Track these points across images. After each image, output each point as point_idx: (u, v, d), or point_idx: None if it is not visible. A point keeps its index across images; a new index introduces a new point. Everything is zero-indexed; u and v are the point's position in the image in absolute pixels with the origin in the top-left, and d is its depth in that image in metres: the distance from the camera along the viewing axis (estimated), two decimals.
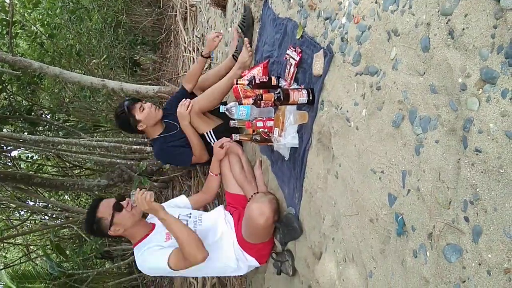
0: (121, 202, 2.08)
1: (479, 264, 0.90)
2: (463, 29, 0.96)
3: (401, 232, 1.18)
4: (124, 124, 2.74)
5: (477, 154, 0.92)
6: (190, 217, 2.27)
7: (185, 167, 3.56)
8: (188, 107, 2.60)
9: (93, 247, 4.49)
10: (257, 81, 2.09)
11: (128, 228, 2.07)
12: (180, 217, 2.22)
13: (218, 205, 3.05)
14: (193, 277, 3.83)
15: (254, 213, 1.96)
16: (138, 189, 2.01)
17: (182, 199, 2.49)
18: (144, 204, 1.93)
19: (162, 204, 2.35)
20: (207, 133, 2.73)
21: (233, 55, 2.80)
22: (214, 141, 2.69)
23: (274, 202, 2.11)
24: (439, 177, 1.04)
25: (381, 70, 1.30)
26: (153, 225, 2.17)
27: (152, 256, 2.00)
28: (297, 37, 1.89)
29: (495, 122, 0.87)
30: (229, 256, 2.18)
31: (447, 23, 1.02)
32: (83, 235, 4.76)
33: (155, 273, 2.13)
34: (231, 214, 2.36)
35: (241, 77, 2.47)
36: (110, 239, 2.29)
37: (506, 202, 0.85)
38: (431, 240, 1.06)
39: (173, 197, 4.97)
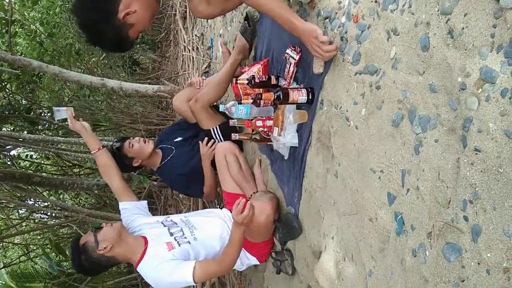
0: (101, 226, 2.05)
1: (478, 264, 0.91)
2: (463, 28, 0.96)
3: (401, 231, 1.19)
4: (121, 164, 2.63)
5: (476, 154, 0.92)
6: (176, 222, 2.20)
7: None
8: (211, 147, 2.60)
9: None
10: (257, 80, 2.09)
11: (115, 242, 1.96)
12: (165, 224, 2.17)
13: (218, 205, 3.05)
14: None
15: (255, 211, 1.96)
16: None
17: (131, 205, 2.32)
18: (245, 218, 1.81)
19: (122, 217, 2.32)
20: (213, 129, 2.70)
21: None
22: (220, 137, 2.67)
23: (274, 201, 2.11)
24: (438, 176, 1.04)
25: (380, 69, 1.30)
26: (144, 238, 2.07)
27: (170, 272, 1.89)
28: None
29: (494, 122, 0.87)
30: None
31: (446, 22, 1.02)
32: (83, 234, 4.75)
33: (176, 287, 1.99)
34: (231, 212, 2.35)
35: (241, 74, 2.47)
36: (105, 268, 2.15)
37: (505, 201, 0.85)
38: (430, 239, 1.06)
39: (172, 197, 4.99)
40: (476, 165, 0.92)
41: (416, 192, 1.13)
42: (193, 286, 3.89)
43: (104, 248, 1.94)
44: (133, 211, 2.27)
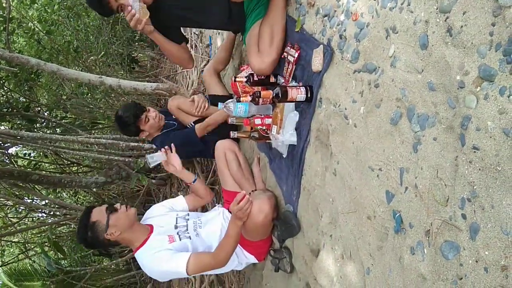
0: (114, 205, 2.05)
1: (476, 261, 0.91)
2: (462, 26, 0.96)
3: (399, 229, 1.19)
4: (125, 129, 2.80)
5: (474, 152, 0.92)
6: (188, 219, 2.24)
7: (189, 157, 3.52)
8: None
9: None
10: (255, 78, 2.08)
11: (124, 230, 1.99)
12: (178, 220, 2.21)
13: (216, 203, 3.06)
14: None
15: (253, 210, 1.96)
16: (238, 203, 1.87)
17: (179, 201, 2.40)
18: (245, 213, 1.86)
19: (159, 204, 2.39)
20: (190, 125, 2.82)
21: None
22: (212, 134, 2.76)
23: (273, 199, 2.11)
24: (436, 174, 1.04)
25: (379, 67, 1.30)
26: (151, 227, 2.11)
27: (166, 260, 1.92)
28: (296, 29, 1.89)
29: (492, 120, 0.87)
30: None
31: (445, 20, 1.02)
32: None
33: (166, 277, 2.06)
34: (230, 212, 2.35)
35: (239, 72, 2.48)
36: (105, 249, 2.17)
37: (503, 199, 0.85)
38: (428, 237, 1.06)
39: (171, 195, 4.98)
40: (474, 163, 0.92)
41: (414, 190, 1.13)
42: (191, 283, 3.90)
43: (113, 233, 1.97)
44: (175, 205, 2.36)
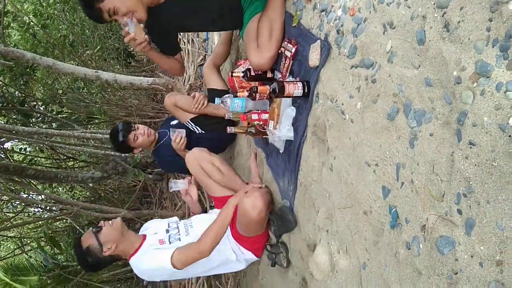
0: (99, 225, 2.09)
1: (472, 256, 0.91)
2: (459, 22, 0.96)
3: (395, 224, 1.19)
4: (121, 150, 2.95)
5: (471, 147, 0.92)
6: (179, 222, 2.28)
7: None
8: (180, 142, 2.65)
9: None
10: (252, 73, 2.08)
11: (118, 241, 2.04)
12: (170, 224, 2.26)
13: (210, 208, 3.06)
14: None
15: (247, 207, 1.96)
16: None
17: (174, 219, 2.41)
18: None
19: (155, 220, 2.47)
20: (187, 122, 2.83)
21: None
22: (195, 128, 2.83)
23: (267, 196, 2.11)
24: (433, 170, 1.05)
25: (376, 63, 1.30)
26: (144, 236, 2.16)
27: (153, 258, 1.98)
28: (293, 24, 1.88)
29: (489, 115, 0.88)
30: (225, 249, 2.19)
31: (442, 15, 1.01)
32: (77, 227, 4.75)
33: (157, 275, 2.08)
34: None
35: (236, 67, 2.47)
36: (111, 263, 2.20)
37: (499, 195, 0.86)
38: (424, 232, 1.07)
39: (167, 191, 4.97)
40: (470, 158, 0.93)
41: (410, 186, 1.13)
42: (188, 278, 3.90)
43: (109, 248, 2.02)
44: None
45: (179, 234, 2.16)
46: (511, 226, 0.83)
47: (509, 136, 0.83)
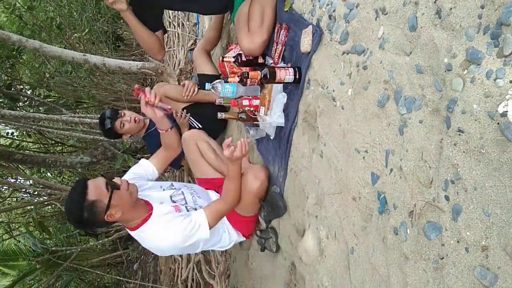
0: (113, 181, 1.74)
1: (458, 242, 0.93)
2: (451, 8, 0.96)
3: (383, 210, 1.21)
4: (110, 136, 2.89)
5: (459, 134, 0.93)
6: (184, 198, 2.11)
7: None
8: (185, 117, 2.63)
9: None
10: (243, 58, 2.06)
11: (127, 211, 1.74)
12: (168, 192, 2.09)
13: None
14: (178, 254, 3.86)
15: (249, 177, 1.96)
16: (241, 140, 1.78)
17: (144, 166, 2.16)
18: (241, 151, 1.75)
19: (128, 173, 2.16)
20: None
21: None
22: (192, 121, 2.78)
23: (266, 169, 2.11)
24: (421, 156, 1.06)
25: (368, 49, 1.30)
26: (149, 204, 1.90)
27: (182, 224, 1.77)
28: (285, 9, 1.86)
29: (478, 103, 0.88)
30: (219, 227, 2.14)
31: (435, 2, 1.01)
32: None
33: (184, 244, 1.81)
34: (216, 191, 2.34)
35: (227, 52, 2.45)
36: (98, 229, 1.86)
37: (486, 181, 0.87)
38: (411, 218, 1.08)
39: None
40: (459, 145, 0.93)
41: (399, 172, 1.14)
42: (178, 262, 3.93)
43: (113, 215, 1.70)
44: (145, 172, 2.16)
45: (188, 205, 2.02)
46: (497, 212, 0.84)
47: (498, 123, 0.84)
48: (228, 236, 2.19)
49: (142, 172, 2.14)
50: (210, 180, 2.38)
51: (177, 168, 3.57)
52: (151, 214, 1.83)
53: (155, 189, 2.11)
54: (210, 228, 1.83)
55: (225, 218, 2.13)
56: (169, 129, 2.14)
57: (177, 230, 1.77)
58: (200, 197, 2.15)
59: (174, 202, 2.02)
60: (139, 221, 1.81)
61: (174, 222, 1.79)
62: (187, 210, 1.95)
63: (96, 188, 1.68)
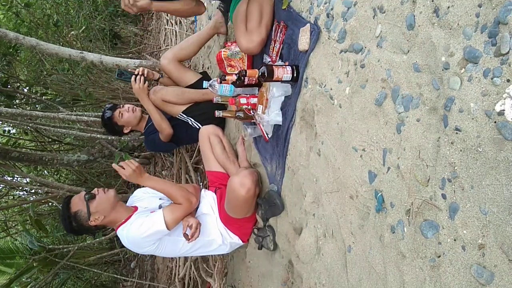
0: (91, 192, 2.05)
1: (455, 240, 0.93)
2: (448, 7, 0.96)
3: (380, 208, 1.21)
4: (111, 131, 2.92)
5: (456, 133, 0.93)
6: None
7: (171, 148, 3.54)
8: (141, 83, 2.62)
9: None
10: (246, 81, 2.04)
11: (108, 213, 2.02)
12: (162, 200, 2.24)
13: (201, 181, 3.07)
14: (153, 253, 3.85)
15: (236, 185, 1.98)
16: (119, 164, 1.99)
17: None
18: (129, 167, 1.94)
19: (141, 189, 2.42)
20: (180, 115, 2.79)
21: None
22: (192, 122, 2.77)
23: (255, 174, 2.12)
24: (419, 155, 1.06)
25: (365, 47, 1.30)
26: (135, 208, 2.15)
27: (143, 223, 1.96)
28: (283, 7, 1.86)
29: (475, 102, 0.88)
30: (213, 231, 2.20)
31: (432, 1, 1.01)
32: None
33: (149, 243, 2.01)
34: (215, 193, 2.37)
35: (224, 47, 2.44)
36: (94, 232, 2.19)
37: (483, 180, 0.87)
38: (408, 216, 1.09)
39: (155, 174, 4.96)
40: (456, 144, 0.94)
41: (396, 171, 1.14)
42: (175, 260, 3.92)
43: (96, 219, 2.00)
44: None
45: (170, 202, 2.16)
46: (493, 211, 0.84)
47: (495, 122, 0.84)
48: (221, 238, 2.24)
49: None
50: (214, 173, 2.46)
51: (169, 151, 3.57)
52: (130, 216, 2.05)
53: (151, 197, 2.28)
54: (168, 221, 1.96)
55: (220, 223, 2.23)
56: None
57: (139, 231, 1.96)
58: None
59: (160, 207, 2.16)
60: (121, 221, 2.05)
61: (137, 223, 1.99)
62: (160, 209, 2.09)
63: (76, 201, 2.03)
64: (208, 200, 2.32)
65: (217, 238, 2.21)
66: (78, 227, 2.03)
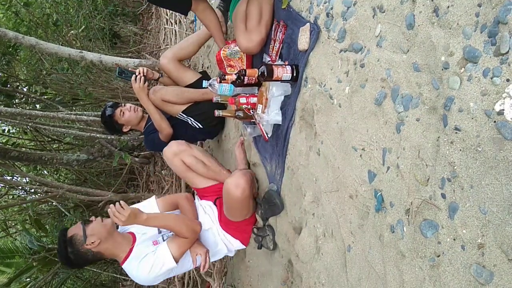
0: (90, 219, 2.01)
1: (454, 239, 0.93)
2: (448, 7, 0.96)
3: (380, 208, 1.21)
4: (111, 129, 2.90)
5: (456, 133, 0.93)
6: None
7: None
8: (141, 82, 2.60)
9: (74, 221, 4.46)
10: (245, 81, 2.04)
11: (104, 238, 1.94)
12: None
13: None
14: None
15: (231, 187, 1.97)
16: (110, 207, 1.86)
17: (150, 202, 2.29)
18: (122, 215, 1.80)
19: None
20: (180, 115, 2.78)
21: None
22: (191, 121, 2.76)
23: (248, 175, 2.11)
24: (418, 154, 1.06)
25: (365, 47, 1.30)
26: (133, 235, 2.07)
27: (154, 263, 1.91)
28: (283, 7, 1.86)
29: (475, 101, 0.88)
30: (218, 242, 2.22)
31: (432, 0, 1.01)
32: (63, 210, 4.71)
33: (160, 277, 1.98)
34: (214, 203, 2.32)
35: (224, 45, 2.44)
36: (91, 261, 2.09)
37: (482, 179, 0.87)
38: (408, 216, 1.09)
39: (154, 173, 4.96)
40: (455, 144, 0.94)
41: (396, 170, 1.14)
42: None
43: (92, 243, 1.92)
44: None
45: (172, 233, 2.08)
46: (493, 210, 0.84)
47: (494, 122, 0.84)
48: (225, 248, 2.24)
49: (143, 207, 2.18)
50: (205, 190, 2.36)
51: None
52: (131, 249, 1.99)
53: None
54: (176, 256, 1.93)
55: (222, 230, 2.21)
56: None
57: (150, 271, 1.92)
58: None
59: (160, 232, 2.11)
60: (123, 256, 1.99)
61: (145, 263, 1.93)
62: (164, 240, 2.04)
63: (72, 228, 2.00)
64: (207, 212, 2.28)
65: (223, 248, 2.23)
66: (74, 254, 1.94)
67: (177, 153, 2.29)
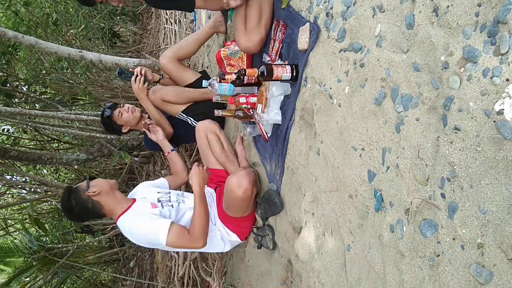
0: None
1: (454, 239, 0.93)
2: (448, 6, 0.96)
3: (379, 207, 1.21)
4: (110, 130, 2.91)
5: (456, 132, 0.93)
6: (170, 192, 2.28)
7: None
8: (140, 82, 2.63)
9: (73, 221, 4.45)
10: (245, 81, 2.04)
11: (106, 191, 2.07)
12: (160, 193, 2.24)
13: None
14: (174, 251, 3.86)
15: (233, 185, 1.97)
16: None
17: (160, 181, 2.48)
18: (200, 175, 2.01)
19: (142, 183, 2.44)
20: (180, 115, 2.78)
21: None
22: (190, 120, 2.77)
23: (252, 174, 2.11)
24: (418, 154, 1.06)
25: (365, 47, 1.30)
26: (133, 200, 2.16)
27: (148, 223, 1.95)
28: (282, 6, 1.86)
29: (475, 101, 0.88)
30: (211, 229, 2.20)
31: (432, 0, 1.01)
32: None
33: (146, 241, 2.03)
34: (214, 190, 2.37)
35: (224, 46, 2.44)
36: (89, 214, 2.15)
37: (482, 179, 0.87)
38: (408, 215, 1.09)
39: (154, 173, 4.96)
40: (455, 143, 0.94)
41: (395, 170, 1.14)
42: (174, 259, 3.92)
43: (94, 192, 2.05)
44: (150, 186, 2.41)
45: (170, 201, 2.18)
46: (493, 210, 0.84)
47: (494, 121, 0.84)
48: (222, 241, 2.25)
49: (153, 183, 2.45)
50: (213, 171, 2.44)
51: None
52: (130, 206, 2.07)
53: (149, 190, 2.30)
54: (168, 241, 1.92)
55: (219, 221, 2.23)
56: (170, 152, 2.58)
57: (142, 226, 1.97)
58: (185, 201, 2.23)
59: (159, 201, 2.17)
60: (120, 212, 2.05)
61: (141, 219, 1.99)
62: (162, 207, 2.10)
63: (78, 183, 2.15)
64: (207, 200, 2.31)
65: (214, 234, 2.21)
66: (75, 200, 2.06)
67: (205, 128, 2.50)
